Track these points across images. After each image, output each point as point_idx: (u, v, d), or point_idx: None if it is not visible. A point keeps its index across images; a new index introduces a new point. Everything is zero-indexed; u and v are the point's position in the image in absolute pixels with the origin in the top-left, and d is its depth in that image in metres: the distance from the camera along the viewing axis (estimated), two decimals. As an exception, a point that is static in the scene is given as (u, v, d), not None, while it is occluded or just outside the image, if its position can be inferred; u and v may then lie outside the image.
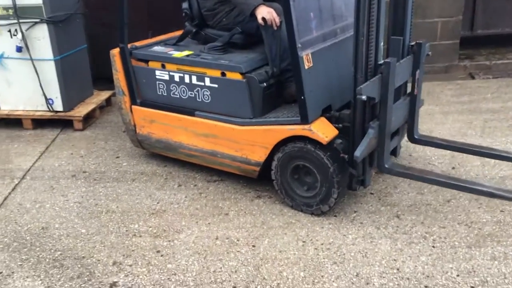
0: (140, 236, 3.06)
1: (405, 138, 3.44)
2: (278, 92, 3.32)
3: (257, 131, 3.19)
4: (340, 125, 3.06)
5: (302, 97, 2.91)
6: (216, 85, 3.30)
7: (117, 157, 4.19)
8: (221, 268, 2.73)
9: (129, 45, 3.71)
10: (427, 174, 3.01)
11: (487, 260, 2.65)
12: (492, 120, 4.45)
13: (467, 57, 6.12)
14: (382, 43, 2.93)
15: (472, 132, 4.23)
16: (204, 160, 3.59)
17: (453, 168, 3.58)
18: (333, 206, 3.08)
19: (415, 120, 3.40)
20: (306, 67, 2.89)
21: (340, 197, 3.08)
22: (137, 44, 3.81)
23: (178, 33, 4.08)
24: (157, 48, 3.71)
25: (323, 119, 3.05)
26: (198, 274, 2.69)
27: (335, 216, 3.13)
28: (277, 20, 3.10)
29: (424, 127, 4.24)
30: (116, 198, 3.53)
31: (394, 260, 2.70)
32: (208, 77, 3.32)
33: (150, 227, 3.15)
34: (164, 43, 3.85)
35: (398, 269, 2.63)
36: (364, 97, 2.75)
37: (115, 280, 2.69)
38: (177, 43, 3.76)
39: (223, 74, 3.26)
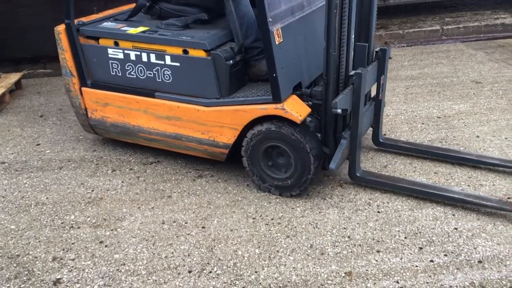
0: (79, 228, 2.86)
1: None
2: (243, 70, 3.13)
3: (226, 111, 2.99)
4: (310, 103, 2.96)
5: (274, 75, 2.74)
6: (178, 64, 3.04)
7: (38, 145, 3.88)
8: (172, 253, 2.62)
9: (75, 21, 3.33)
10: (399, 182, 3.00)
11: (429, 221, 2.78)
12: (412, 87, 4.66)
13: (381, 27, 6.34)
14: (355, 17, 2.85)
15: (397, 99, 4.41)
16: (167, 144, 3.36)
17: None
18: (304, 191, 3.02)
19: (380, 124, 3.40)
20: (277, 43, 2.73)
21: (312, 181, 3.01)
22: (84, 19, 3.43)
23: (127, 7, 3.75)
24: (107, 24, 3.36)
25: (295, 97, 2.91)
26: (149, 262, 2.57)
27: (281, 190, 3.12)
28: None
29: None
30: (44, 188, 3.27)
31: (344, 228, 2.75)
32: (168, 55, 3.05)
33: (88, 217, 2.96)
34: (114, 18, 3.50)
35: (349, 237, 2.68)
36: (339, 111, 2.70)
37: (58, 276, 2.49)
38: (129, 19, 3.42)
39: (185, 51, 3.00)
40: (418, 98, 4.41)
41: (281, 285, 2.37)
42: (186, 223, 2.86)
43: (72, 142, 3.87)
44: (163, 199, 3.09)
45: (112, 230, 2.83)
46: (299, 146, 2.84)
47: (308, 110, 2.89)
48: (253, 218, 2.87)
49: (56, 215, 2.98)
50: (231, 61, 2.96)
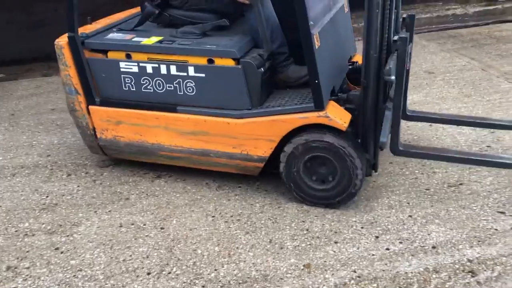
0: (33, 235, 2.79)
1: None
2: (272, 77, 2.98)
3: (261, 123, 2.80)
4: (343, 107, 2.84)
5: (316, 81, 2.59)
6: (202, 75, 2.83)
7: (-11, 152, 3.77)
8: (131, 256, 2.59)
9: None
10: (445, 152, 2.87)
11: (385, 210, 2.83)
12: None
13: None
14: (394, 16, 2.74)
15: (352, 92, 4.47)
16: (192, 161, 3.12)
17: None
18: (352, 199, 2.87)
19: (406, 96, 3.20)
20: (316, 47, 2.59)
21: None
22: (85, 31, 3.16)
23: (127, 14, 3.53)
24: (115, 35, 3.10)
25: (333, 103, 2.77)
26: (107, 266, 2.53)
27: (239, 187, 3.12)
28: None
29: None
30: (-3, 197, 3.18)
31: (303, 221, 2.78)
32: (191, 65, 2.83)
33: (43, 223, 2.89)
34: (119, 28, 3.22)
35: (307, 230, 2.71)
36: (393, 77, 2.53)
37: (13, 286, 2.43)
38: (136, 28, 3.15)
39: (210, 61, 2.81)
40: (373, 90, 4.48)
41: (241, 281, 2.37)
42: (144, 224, 2.83)
43: (25, 148, 3.77)
44: (120, 202, 3.05)
45: (68, 236, 2.77)
46: (344, 154, 2.70)
47: (349, 116, 2.74)
48: (213, 216, 2.86)
49: (10, 223, 2.90)
50: (262, 69, 2.80)
